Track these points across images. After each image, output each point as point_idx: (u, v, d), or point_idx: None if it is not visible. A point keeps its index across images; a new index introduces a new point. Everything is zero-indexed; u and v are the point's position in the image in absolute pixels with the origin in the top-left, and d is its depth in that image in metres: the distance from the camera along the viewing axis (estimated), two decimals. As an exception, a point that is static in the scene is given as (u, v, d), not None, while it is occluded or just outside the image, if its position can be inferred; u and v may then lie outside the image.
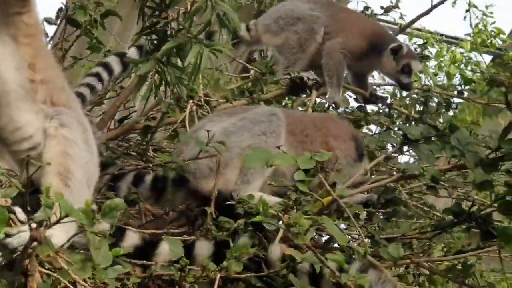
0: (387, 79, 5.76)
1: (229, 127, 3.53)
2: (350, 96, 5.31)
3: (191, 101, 4.09)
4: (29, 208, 2.17)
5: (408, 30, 7.22)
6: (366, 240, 3.06)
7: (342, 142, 3.75)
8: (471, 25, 7.67)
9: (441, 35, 7.85)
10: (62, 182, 2.56)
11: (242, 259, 2.69)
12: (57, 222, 2.09)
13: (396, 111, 4.96)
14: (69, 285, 2.23)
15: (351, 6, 6.91)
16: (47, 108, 2.75)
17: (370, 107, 5.03)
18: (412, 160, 4.60)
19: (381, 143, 4.24)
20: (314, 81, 4.66)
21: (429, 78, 7.26)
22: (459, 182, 3.66)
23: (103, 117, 4.34)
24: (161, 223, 3.43)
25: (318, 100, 4.86)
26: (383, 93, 5.69)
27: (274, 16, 5.08)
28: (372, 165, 3.71)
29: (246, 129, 3.49)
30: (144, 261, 2.77)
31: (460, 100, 5.38)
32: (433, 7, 5.86)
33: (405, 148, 3.71)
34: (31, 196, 2.33)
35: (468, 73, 7.46)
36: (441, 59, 7.67)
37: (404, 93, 5.27)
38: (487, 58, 7.88)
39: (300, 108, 4.92)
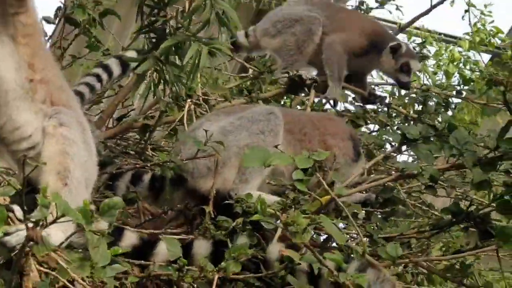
0: (385, 78, 5.77)
1: (227, 126, 3.52)
2: (349, 95, 5.30)
3: (189, 100, 4.09)
4: (25, 208, 2.16)
5: (407, 29, 7.21)
6: (365, 239, 3.07)
7: (340, 140, 3.75)
8: (470, 24, 7.67)
9: (440, 34, 7.86)
10: (60, 181, 2.56)
11: (240, 259, 2.69)
12: (54, 221, 2.08)
13: (395, 110, 4.96)
14: (67, 283, 2.23)
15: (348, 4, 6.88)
16: (46, 108, 2.75)
17: (369, 107, 5.02)
18: (410, 159, 4.60)
19: (380, 141, 4.24)
20: (313, 80, 4.67)
21: (428, 77, 7.26)
22: (457, 182, 3.66)
23: (102, 115, 4.33)
24: (160, 223, 3.43)
25: (316, 99, 4.85)
26: (381, 91, 5.69)
27: (273, 20, 5.09)
28: (370, 165, 3.71)
29: (244, 128, 3.49)
30: (142, 261, 2.76)
31: (459, 100, 5.38)
32: (433, 7, 5.86)
33: (404, 147, 3.71)
34: (30, 195, 2.32)
35: (467, 72, 7.46)
36: (440, 58, 7.66)
37: (403, 92, 5.28)
38: (486, 57, 7.90)
39: (298, 107, 4.92)
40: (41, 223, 2.07)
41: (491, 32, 7.71)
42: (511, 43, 7.00)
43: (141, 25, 3.12)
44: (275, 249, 2.80)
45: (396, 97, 5.41)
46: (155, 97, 3.53)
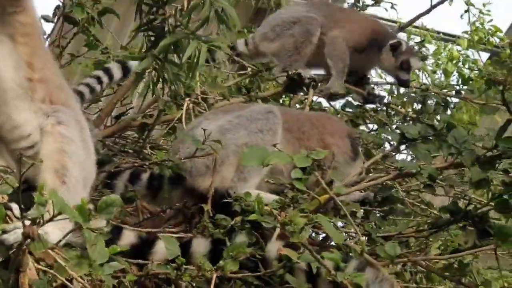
0: (384, 76, 5.76)
1: (225, 124, 3.52)
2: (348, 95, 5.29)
3: (187, 98, 4.09)
4: (23, 206, 2.15)
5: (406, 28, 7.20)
6: (363, 238, 3.06)
7: (338, 139, 3.75)
8: (470, 23, 7.67)
9: (438, 32, 7.86)
10: (58, 179, 2.56)
11: (238, 258, 2.69)
12: (51, 219, 2.08)
13: (393, 110, 4.95)
14: (66, 282, 2.23)
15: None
16: (46, 107, 2.75)
17: (368, 106, 5.01)
18: (409, 158, 4.60)
19: (378, 140, 4.24)
20: (312, 79, 4.67)
21: (427, 75, 7.26)
22: (456, 181, 3.66)
23: (100, 114, 4.33)
24: (158, 221, 3.43)
25: (314, 97, 4.85)
26: (381, 90, 5.68)
27: (271, 24, 5.11)
28: (369, 164, 3.71)
29: (243, 126, 3.49)
30: (140, 260, 2.76)
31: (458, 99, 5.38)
32: (433, 7, 5.85)
33: (403, 147, 3.71)
34: (28, 193, 2.32)
35: (466, 71, 7.46)
36: (439, 57, 7.66)
37: (402, 91, 5.27)
38: (484, 56, 7.90)
39: (297, 106, 4.92)
40: (38, 221, 2.06)
41: (490, 31, 7.72)
42: (509, 42, 6.99)
43: (139, 23, 3.11)
44: (273, 247, 2.80)
45: (395, 95, 5.40)
46: (154, 95, 3.53)
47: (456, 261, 3.13)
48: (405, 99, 5.08)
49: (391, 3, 6.47)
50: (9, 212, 2.36)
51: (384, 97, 5.11)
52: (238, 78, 4.85)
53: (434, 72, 7.56)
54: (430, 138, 3.29)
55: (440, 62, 7.63)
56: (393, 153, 4.11)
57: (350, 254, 2.81)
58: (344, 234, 3.54)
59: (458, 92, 5.23)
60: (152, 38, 3.09)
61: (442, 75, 7.55)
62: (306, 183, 3.12)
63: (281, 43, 4.94)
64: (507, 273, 3.43)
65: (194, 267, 2.66)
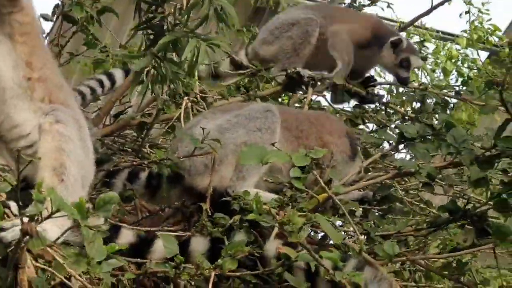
0: (383, 75, 5.76)
1: (223, 123, 3.52)
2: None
3: (186, 97, 4.08)
4: (21, 203, 2.15)
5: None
6: (362, 237, 3.06)
7: (337, 138, 3.75)
8: (470, 22, 7.67)
9: (437, 31, 7.86)
10: (56, 177, 2.56)
11: (237, 256, 2.68)
12: (49, 216, 2.08)
13: (392, 110, 4.95)
14: (64, 280, 2.22)
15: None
16: (45, 106, 2.75)
17: (367, 106, 5.00)
18: (408, 157, 4.59)
19: (378, 140, 4.23)
20: (311, 78, 4.66)
21: (426, 74, 7.26)
22: (455, 180, 3.66)
23: (99, 113, 4.33)
24: (157, 220, 3.42)
25: (313, 96, 4.84)
26: (380, 88, 5.68)
27: (270, 28, 5.11)
28: (368, 163, 3.71)
29: (241, 125, 3.49)
30: (139, 259, 2.75)
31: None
32: (433, 8, 5.84)
33: (401, 146, 3.70)
34: (26, 192, 2.32)
35: (465, 70, 7.46)
36: (438, 56, 7.66)
37: (401, 90, 5.27)
38: (483, 55, 7.91)
39: (296, 105, 4.92)
40: (36, 218, 2.06)
41: (489, 30, 7.72)
42: (508, 41, 6.99)
43: (139, 22, 3.11)
44: (272, 246, 2.80)
45: (394, 94, 5.40)
46: (153, 94, 3.52)
47: (454, 260, 3.13)
48: (404, 98, 5.07)
49: (387, 3, 6.48)
50: (7, 210, 2.35)
51: (383, 96, 5.11)
52: (237, 77, 4.85)
53: (433, 71, 7.56)
54: (429, 137, 3.29)
55: (439, 61, 7.63)
56: (392, 152, 4.10)
57: (349, 253, 2.80)
58: (343, 233, 3.54)
59: (457, 93, 5.23)
60: (151, 37, 3.09)
61: (441, 74, 7.55)
62: (304, 182, 3.12)
63: (279, 45, 4.94)
64: (506, 272, 3.42)
65: (192, 266, 2.65)
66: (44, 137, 2.66)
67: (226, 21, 2.73)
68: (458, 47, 7.71)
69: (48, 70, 2.83)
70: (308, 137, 3.68)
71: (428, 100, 4.83)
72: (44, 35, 4.55)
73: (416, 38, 7.27)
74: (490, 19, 7.79)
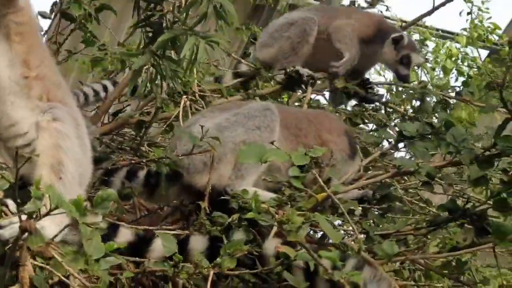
0: (383, 74, 5.75)
1: (222, 122, 3.51)
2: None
3: (185, 96, 4.07)
4: (19, 200, 2.15)
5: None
6: (361, 236, 3.05)
7: (336, 136, 3.74)
8: (471, 19, 7.67)
9: (437, 29, 7.86)
10: (54, 174, 2.55)
11: (235, 255, 2.67)
12: (48, 213, 2.07)
13: (392, 109, 4.94)
14: (63, 278, 2.21)
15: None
16: (42, 104, 2.75)
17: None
18: (408, 155, 4.58)
19: (377, 139, 4.22)
20: (310, 77, 4.65)
21: (426, 72, 7.26)
22: (455, 179, 3.65)
23: (97, 111, 4.33)
24: (156, 219, 3.42)
25: (312, 95, 4.83)
26: (380, 87, 5.67)
27: (270, 31, 5.12)
28: (367, 162, 3.70)
29: (240, 124, 3.48)
30: (137, 258, 2.74)
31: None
32: (435, 8, 5.84)
33: (401, 145, 3.70)
34: (24, 190, 2.31)
35: (465, 69, 7.47)
36: (438, 54, 7.66)
37: (401, 88, 5.26)
38: (483, 53, 7.91)
39: (296, 104, 4.91)
40: (34, 215, 2.05)
41: (489, 29, 7.72)
42: (508, 39, 6.98)
43: (137, 19, 3.10)
44: (271, 245, 2.79)
45: (394, 92, 5.39)
46: (152, 93, 3.50)
47: (454, 259, 3.12)
48: (404, 96, 5.06)
49: (386, 6, 6.49)
50: (4, 208, 2.35)
51: (382, 95, 5.10)
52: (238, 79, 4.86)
53: (433, 69, 7.56)
54: (429, 136, 3.28)
55: (439, 60, 7.63)
56: (392, 151, 4.09)
57: (349, 252, 2.79)
58: (343, 232, 3.54)
59: (458, 94, 5.22)
60: (150, 34, 3.08)
61: (441, 72, 7.56)
62: (303, 181, 3.11)
63: (278, 46, 4.94)
64: (506, 271, 3.42)
65: (191, 265, 2.64)
66: (41, 135, 2.66)
67: (225, 19, 2.71)
68: (458, 45, 7.71)
69: (45, 68, 2.83)
70: (307, 135, 3.67)
71: (428, 99, 4.82)
72: (42, 33, 4.54)
73: (416, 36, 7.28)
74: (490, 17, 7.81)
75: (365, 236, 3.23)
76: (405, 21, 6.79)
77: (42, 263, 2.26)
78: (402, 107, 4.95)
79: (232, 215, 2.97)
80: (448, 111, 5.00)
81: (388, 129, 4.43)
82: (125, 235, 2.79)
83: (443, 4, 5.69)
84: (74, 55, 4.66)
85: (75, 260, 2.15)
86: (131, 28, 3.30)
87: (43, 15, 4.38)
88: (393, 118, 4.78)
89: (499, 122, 3.05)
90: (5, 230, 2.25)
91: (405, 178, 3.96)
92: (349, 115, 4.67)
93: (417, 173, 3.22)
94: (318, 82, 4.80)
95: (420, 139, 3.29)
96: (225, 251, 2.67)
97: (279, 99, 5.04)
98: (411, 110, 4.88)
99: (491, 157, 3.04)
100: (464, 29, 7.77)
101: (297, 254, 2.65)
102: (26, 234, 2.04)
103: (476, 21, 7.68)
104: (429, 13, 5.84)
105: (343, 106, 4.97)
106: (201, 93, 4.27)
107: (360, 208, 3.42)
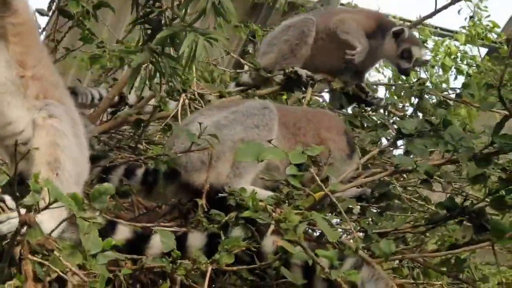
0: (382, 71, 5.75)
1: (221, 120, 3.50)
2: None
3: (183, 94, 4.07)
4: (17, 194, 2.14)
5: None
6: (359, 234, 3.05)
7: (335, 134, 3.74)
8: (472, 18, 7.67)
9: (436, 27, 7.87)
10: (51, 171, 2.55)
11: (233, 251, 2.67)
12: (46, 207, 2.07)
13: (391, 113, 4.93)
14: (61, 274, 2.21)
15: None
16: (39, 104, 2.75)
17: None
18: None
19: (375, 138, 4.22)
20: (310, 78, 4.65)
21: (425, 70, 7.26)
22: (454, 177, 3.65)
23: (96, 109, 4.32)
24: (154, 217, 3.41)
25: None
26: (380, 85, 5.66)
27: (268, 40, 5.13)
28: (365, 159, 3.70)
29: (239, 122, 3.47)
30: (135, 256, 2.74)
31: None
32: (437, 11, 5.83)
33: (400, 142, 3.70)
34: (21, 186, 2.31)
35: (464, 67, 7.47)
36: (437, 52, 7.66)
37: (400, 89, 5.25)
38: (482, 51, 7.91)
39: (295, 105, 4.90)
40: (33, 208, 2.05)
41: (488, 27, 7.72)
42: (507, 38, 7.00)
43: (136, 16, 3.09)
44: (269, 242, 2.78)
45: (392, 90, 5.39)
46: (151, 90, 3.50)
47: (453, 256, 3.12)
48: (402, 93, 5.06)
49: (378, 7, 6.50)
50: (2, 204, 2.34)
51: (382, 99, 5.09)
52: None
53: (433, 67, 7.56)
54: (428, 132, 3.27)
55: (437, 58, 7.63)
56: (391, 148, 4.09)
57: (345, 251, 2.79)
58: (341, 230, 3.53)
59: (458, 95, 5.21)
60: (149, 31, 3.07)
61: (440, 70, 7.56)
62: (301, 180, 3.10)
63: (278, 50, 4.95)
64: (504, 268, 3.42)
65: (189, 261, 2.64)
66: (38, 132, 2.66)
67: (224, 16, 2.71)
68: (457, 43, 7.72)
69: (43, 68, 2.83)
70: (305, 134, 3.67)
71: (426, 96, 4.82)
72: (40, 30, 4.53)
73: (416, 35, 7.27)
74: (488, 16, 7.81)
75: (363, 234, 3.22)
76: (405, 20, 6.79)
77: (43, 256, 2.26)
78: (401, 104, 4.95)
79: (230, 213, 2.96)
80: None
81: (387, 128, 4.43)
82: (123, 232, 2.79)
83: (445, 7, 5.67)
84: (72, 53, 4.65)
85: (73, 255, 2.15)
86: (129, 25, 3.30)
87: (41, 12, 4.37)
88: (392, 117, 4.77)
89: (497, 120, 3.05)
90: (3, 225, 2.25)
91: (404, 176, 3.96)
92: (349, 117, 4.66)
93: (415, 172, 3.22)
94: (317, 83, 4.80)
95: (418, 136, 3.29)
96: (223, 247, 2.66)
97: (277, 99, 5.04)
98: (410, 109, 4.88)
99: (489, 155, 3.03)
100: (463, 27, 7.77)
101: (294, 254, 2.64)
102: (25, 227, 2.03)
103: (474, 19, 7.69)
104: (430, 15, 5.84)
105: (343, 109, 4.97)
106: (200, 91, 4.27)
107: (359, 206, 3.42)
